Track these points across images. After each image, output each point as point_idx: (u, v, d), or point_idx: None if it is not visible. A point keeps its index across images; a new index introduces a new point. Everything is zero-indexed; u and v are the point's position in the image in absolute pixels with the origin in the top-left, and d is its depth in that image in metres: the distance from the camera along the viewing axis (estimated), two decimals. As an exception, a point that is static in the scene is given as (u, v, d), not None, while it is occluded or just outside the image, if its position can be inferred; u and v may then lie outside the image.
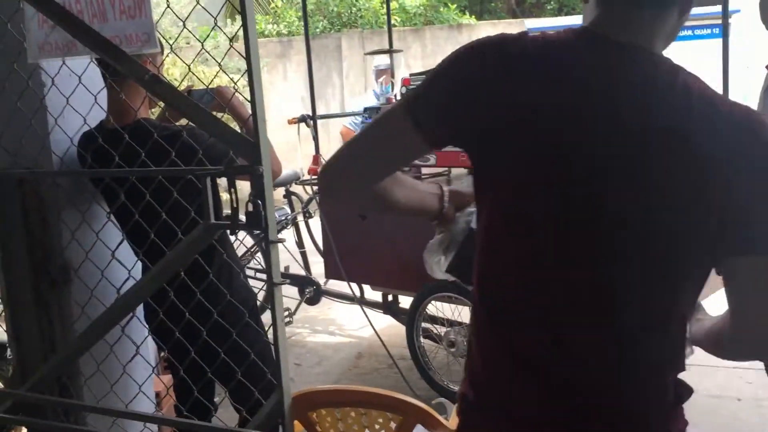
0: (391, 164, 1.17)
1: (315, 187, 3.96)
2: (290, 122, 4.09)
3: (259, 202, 1.81)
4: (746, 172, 0.97)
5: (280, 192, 4.61)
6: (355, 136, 1.19)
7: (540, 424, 1.08)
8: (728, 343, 1.11)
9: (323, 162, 3.89)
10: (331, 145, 8.94)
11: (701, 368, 3.70)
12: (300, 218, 4.48)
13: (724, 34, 3.18)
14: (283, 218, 4.60)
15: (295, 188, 4.58)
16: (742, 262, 1.00)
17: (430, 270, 1.43)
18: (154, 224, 2.00)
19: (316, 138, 3.99)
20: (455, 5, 9.86)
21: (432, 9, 9.59)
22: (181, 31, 2.04)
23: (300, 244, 4.53)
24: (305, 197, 4.47)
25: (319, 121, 5.29)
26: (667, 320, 1.05)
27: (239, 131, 2.03)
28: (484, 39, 1.07)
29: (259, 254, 4.77)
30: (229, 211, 1.87)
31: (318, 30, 9.59)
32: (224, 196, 1.93)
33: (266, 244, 1.87)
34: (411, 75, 3.80)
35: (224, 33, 1.99)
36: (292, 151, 5.02)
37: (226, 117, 2.58)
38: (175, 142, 1.97)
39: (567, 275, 1.03)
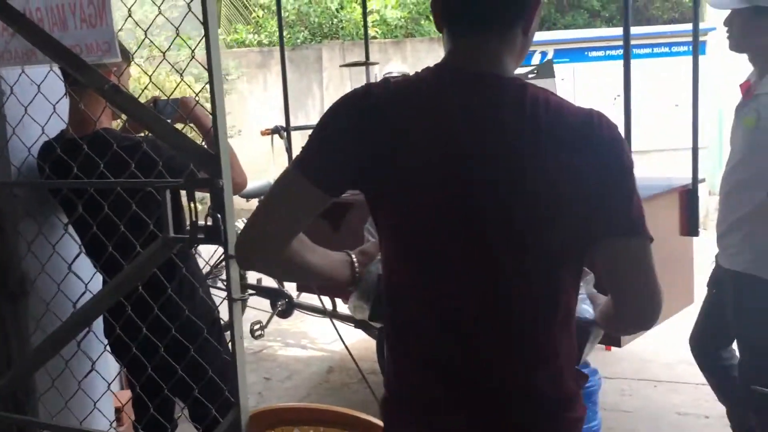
0: (298, 222, 1.21)
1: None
2: (263, 133, 4.06)
3: (219, 215, 1.79)
4: (597, 163, 1.09)
5: (253, 203, 4.57)
6: (258, 206, 1.24)
7: (450, 421, 1.18)
8: (614, 320, 1.23)
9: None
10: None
11: (670, 384, 3.71)
12: (273, 230, 4.44)
13: (694, 51, 3.20)
14: (256, 230, 4.55)
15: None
16: (602, 246, 1.13)
17: (362, 319, 1.48)
18: (114, 237, 1.96)
19: (289, 149, 3.96)
20: (436, 18, 9.89)
21: (413, 22, 9.61)
22: (143, 40, 2.02)
23: (273, 256, 4.48)
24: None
25: (295, 132, 5.26)
26: (555, 313, 1.16)
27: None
28: (354, 91, 1.19)
29: (231, 266, 4.71)
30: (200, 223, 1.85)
31: (299, 41, 9.57)
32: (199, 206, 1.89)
33: (226, 259, 1.84)
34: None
35: (187, 45, 1.98)
36: (269, 161, 4.98)
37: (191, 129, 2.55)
38: (135, 154, 1.94)
39: (459, 284, 1.15)
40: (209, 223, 1.80)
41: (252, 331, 4.23)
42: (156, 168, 1.92)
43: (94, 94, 2.03)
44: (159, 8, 1.89)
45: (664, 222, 3.25)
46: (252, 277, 4.66)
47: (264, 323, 4.29)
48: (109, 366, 2.56)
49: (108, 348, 2.18)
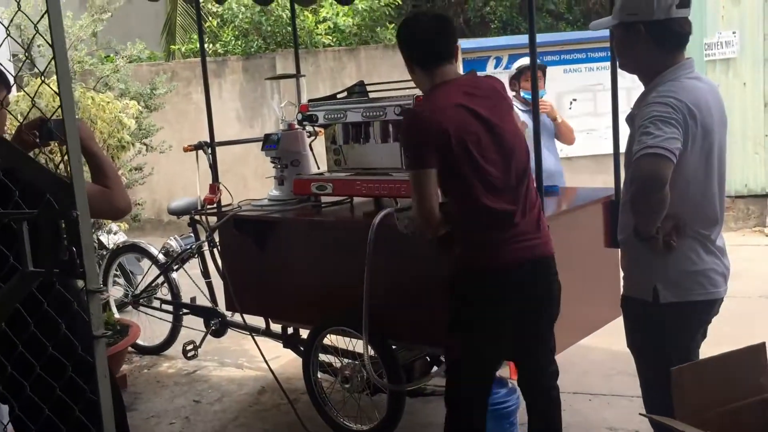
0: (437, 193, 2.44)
1: (213, 218, 3.82)
2: (186, 150, 3.94)
3: (74, 249, 1.69)
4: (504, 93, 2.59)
5: (185, 220, 4.46)
6: (422, 197, 2.38)
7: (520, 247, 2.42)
8: None
9: (221, 190, 3.76)
10: (244, 170, 8.63)
11: (605, 397, 3.65)
12: (205, 247, 4.32)
13: (612, 57, 3.14)
14: (189, 247, 4.45)
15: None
16: None
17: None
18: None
19: (213, 166, 3.84)
20: (393, 25, 9.81)
21: (367, 29, 9.52)
22: (50, 59, 1.91)
23: (205, 273, 4.36)
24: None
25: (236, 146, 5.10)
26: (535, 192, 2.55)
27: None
28: (414, 113, 2.56)
29: (165, 285, 4.60)
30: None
31: (253, 49, 9.45)
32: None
33: (87, 294, 1.74)
34: (309, 101, 3.70)
35: (34, 64, 1.85)
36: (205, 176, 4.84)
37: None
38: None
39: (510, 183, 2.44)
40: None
41: (185, 352, 4.11)
42: (14, 197, 1.82)
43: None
44: (35, 26, 1.78)
45: (588, 233, 3.19)
46: (185, 295, 4.54)
47: (197, 343, 4.17)
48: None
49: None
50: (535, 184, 2.53)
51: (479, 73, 2.60)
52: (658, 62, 2.17)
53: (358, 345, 3.29)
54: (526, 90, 4.34)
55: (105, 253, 4.99)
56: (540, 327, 2.52)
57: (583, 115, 8.84)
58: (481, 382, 2.52)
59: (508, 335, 2.46)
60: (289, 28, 9.42)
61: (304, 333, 3.76)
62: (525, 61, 4.40)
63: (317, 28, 9.27)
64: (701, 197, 2.16)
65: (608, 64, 9.17)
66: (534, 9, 2.76)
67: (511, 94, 3.94)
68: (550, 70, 8.80)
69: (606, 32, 2.39)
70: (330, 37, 9.30)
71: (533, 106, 2.92)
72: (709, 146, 2.14)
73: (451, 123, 2.32)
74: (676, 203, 2.09)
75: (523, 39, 9.98)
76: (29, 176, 1.81)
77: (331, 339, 3.44)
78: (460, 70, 2.76)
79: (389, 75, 9.03)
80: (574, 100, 8.89)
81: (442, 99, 2.39)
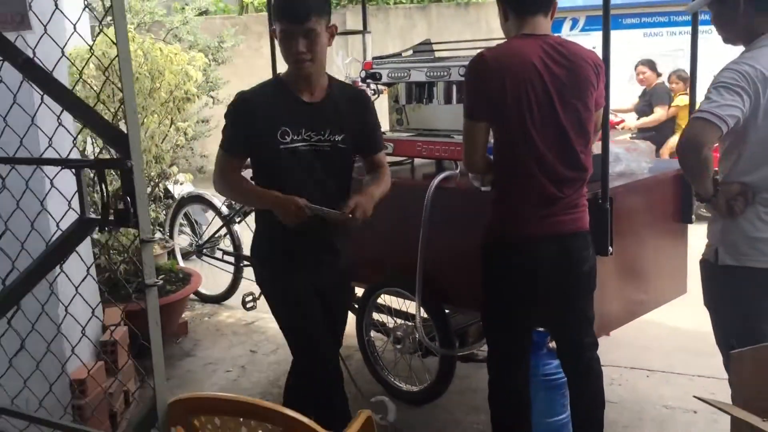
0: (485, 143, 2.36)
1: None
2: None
3: (128, 198, 1.73)
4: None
5: (249, 173, 4.48)
6: (465, 146, 2.36)
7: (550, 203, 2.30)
8: None
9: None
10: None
11: (663, 375, 3.54)
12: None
13: (694, 24, 2.97)
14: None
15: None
16: None
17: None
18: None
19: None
20: (467, -18, 9.56)
21: (440, -14, 9.33)
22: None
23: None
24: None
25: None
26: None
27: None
28: (479, 56, 2.29)
29: (227, 236, 4.68)
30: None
31: (324, 5, 9.40)
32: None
33: (141, 243, 1.77)
34: (374, 59, 3.64)
35: (96, 16, 1.86)
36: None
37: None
38: None
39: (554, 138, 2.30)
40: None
41: (244, 303, 4.19)
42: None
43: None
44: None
45: (657, 207, 3.06)
46: (247, 248, 4.60)
47: (256, 295, 4.24)
48: (62, 341, 2.54)
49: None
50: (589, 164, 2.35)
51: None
52: (756, 28, 2.15)
53: (411, 306, 3.28)
54: None
55: (172, 202, 5.11)
56: (573, 299, 2.41)
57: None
58: (507, 344, 2.45)
59: (533, 304, 2.38)
60: (361, -16, 9.31)
61: (359, 290, 3.77)
62: None
63: (389, -16, 9.13)
64: None
65: (660, 30, 8.67)
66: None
67: None
68: (627, 33, 8.42)
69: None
70: (403, -6, 9.16)
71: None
72: None
73: (512, 78, 2.19)
74: (746, 168, 2.17)
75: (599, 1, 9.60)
76: (87, 125, 1.84)
77: (384, 299, 3.43)
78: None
79: (461, 34, 8.84)
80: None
81: (516, 49, 2.25)
